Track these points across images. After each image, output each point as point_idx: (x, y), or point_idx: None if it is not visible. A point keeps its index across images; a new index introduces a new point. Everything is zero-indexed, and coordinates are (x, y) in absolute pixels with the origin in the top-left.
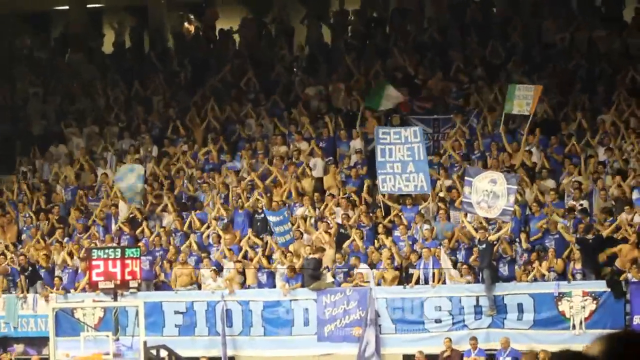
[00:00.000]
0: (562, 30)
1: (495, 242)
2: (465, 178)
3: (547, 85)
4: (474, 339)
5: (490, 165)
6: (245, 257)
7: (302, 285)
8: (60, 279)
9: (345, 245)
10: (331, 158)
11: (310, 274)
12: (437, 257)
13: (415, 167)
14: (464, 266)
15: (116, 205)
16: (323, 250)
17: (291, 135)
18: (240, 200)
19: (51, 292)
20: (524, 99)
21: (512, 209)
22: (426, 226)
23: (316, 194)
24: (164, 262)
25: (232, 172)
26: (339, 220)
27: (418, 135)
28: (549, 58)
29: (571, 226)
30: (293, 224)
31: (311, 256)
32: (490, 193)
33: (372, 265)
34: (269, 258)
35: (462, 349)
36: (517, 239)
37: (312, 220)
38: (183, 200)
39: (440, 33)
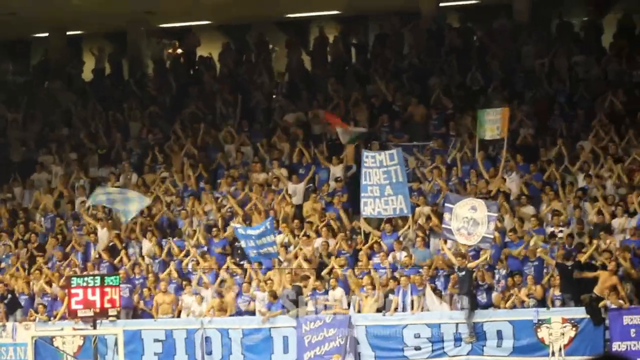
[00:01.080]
0: (542, 55)
1: (474, 269)
2: (446, 205)
3: (527, 111)
4: None
5: (469, 192)
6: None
7: (282, 312)
8: (45, 306)
9: (324, 272)
10: (311, 185)
11: (291, 300)
12: (417, 287)
13: (393, 190)
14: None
15: (95, 233)
16: (307, 278)
17: (271, 162)
18: (217, 229)
19: (32, 320)
20: (494, 124)
21: (492, 236)
22: (404, 253)
23: (296, 221)
24: (144, 289)
25: (212, 200)
26: (318, 247)
27: (395, 158)
28: (528, 84)
29: (549, 252)
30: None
31: (294, 284)
32: (470, 220)
33: (352, 292)
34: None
35: None
36: (497, 265)
37: (292, 248)
38: (163, 227)
39: (419, 59)
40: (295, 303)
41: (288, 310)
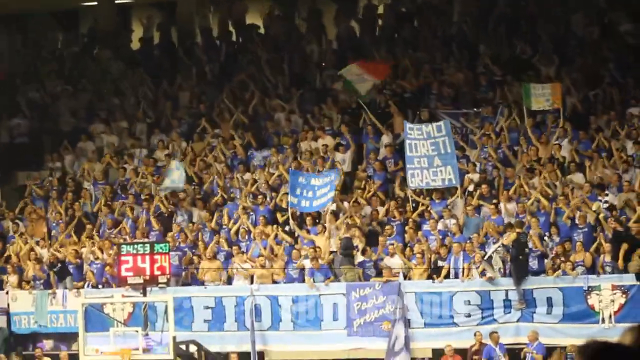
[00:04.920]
0: (591, 23)
1: (525, 234)
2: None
3: (576, 79)
4: (495, 332)
5: (519, 159)
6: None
7: (334, 278)
8: (93, 273)
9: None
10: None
11: (342, 254)
12: (467, 251)
13: (442, 161)
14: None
15: (145, 201)
16: (356, 227)
17: (321, 130)
18: (263, 197)
19: (81, 287)
20: (542, 97)
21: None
22: (453, 220)
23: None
24: (193, 257)
25: (260, 168)
26: (369, 213)
27: (442, 129)
28: (578, 52)
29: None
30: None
31: (344, 235)
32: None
33: (402, 260)
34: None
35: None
36: (546, 233)
37: (342, 215)
38: (213, 196)
39: (468, 27)
40: (348, 257)
41: (343, 264)
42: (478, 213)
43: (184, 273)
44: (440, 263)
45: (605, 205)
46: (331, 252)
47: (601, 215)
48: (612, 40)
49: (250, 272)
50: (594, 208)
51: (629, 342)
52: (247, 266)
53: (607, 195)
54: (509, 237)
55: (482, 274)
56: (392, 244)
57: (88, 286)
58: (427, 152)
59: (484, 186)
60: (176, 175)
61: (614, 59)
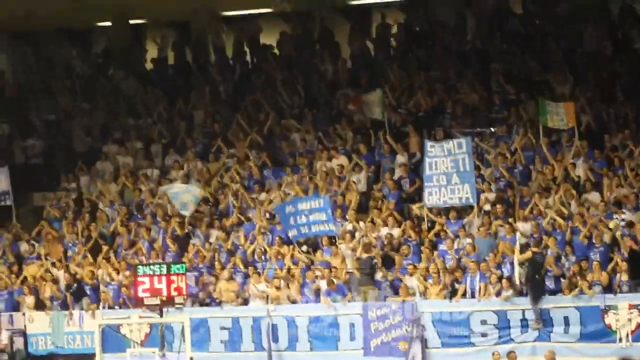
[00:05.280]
0: (604, 39)
1: (541, 255)
2: None
3: (590, 97)
4: (512, 352)
5: (535, 178)
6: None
7: (350, 296)
8: (109, 294)
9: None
10: (371, 175)
11: (367, 273)
12: (482, 271)
13: (460, 179)
14: (504, 280)
15: (162, 221)
16: (374, 247)
17: (336, 149)
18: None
19: (98, 308)
20: (555, 115)
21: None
22: (468, 240)
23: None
24: (210, 277)
25: (277, 188)
26: (383, 236)
27: (463, 147)
28: (591, 68)
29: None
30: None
31: (365, 255)
32: None
33: (419, 280)
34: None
35: None
36: (563, 252)
37: (358, 235)
38: (229, 216)
39: (482, 44)
40: (371, 275)
41: (366, 283)
42: (491, 233)
43: (200, 294)
44: (456, 284)
45: (623, 223)
46: (347, 272)
47: (618, 233)
48: (626, 54)
49: (271, 294)
50: (611, 226)
51: None
52: (263, 287)
53: (624, 213)
54: (523, 255)
55: (498, 293)
56: (410, 264)
57: (104, 307)
58: (447, 169)
59: (498, 206)
60: (187, 198)
61: (627, 73)
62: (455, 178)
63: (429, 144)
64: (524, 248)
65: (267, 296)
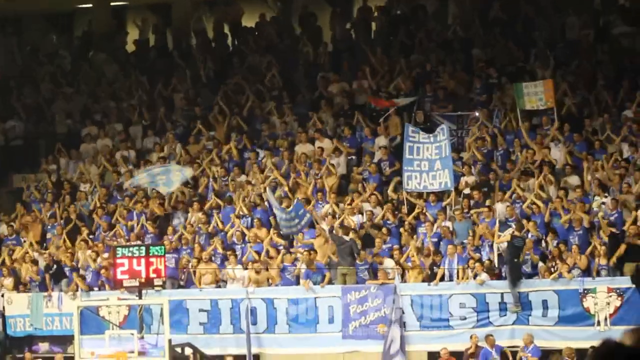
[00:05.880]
0: (586, 26)
1: (518, 240)
2: None
3: (572, 82)
4: (491, 335)
5: (515, 162)
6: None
7: (330, 281)
8: (84, 277)
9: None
10: (352, 157)
11: (347, 254)
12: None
13: (442, 164)
14: (485, 262)
15: (140, 203)
16: (354, 230)
17: (315, 133)
18: (261, 199)
19: (77, 290)
20: (535, 95)
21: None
22: (449, 223)
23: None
24: (189, 260)
25: (256, 171)
26: (363, 219)
27: (445, 133)
28: (573, 54)
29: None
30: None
31: (349, 238)
32: None
33: (398, 263)
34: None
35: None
36: (543, 236)
37: (337, 218)
38: (208, 199)
39: (464, 30)
40: (353, 255)
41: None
42: (470, 216)
43: (180, 276)
44: (435, 268)
45: (603, 207)
46: (328, 256)
47: (600, 214)
48: (607, 43)
49: (250, 277)
50: (594, 205)
51: (630, 344)
52: (242, 271)
53: (606, 196)
54: (501, 238)
55: (476, 276)
56: (390, 247)
57: (79, 291)
58: (431, 155)
59: (475, 192)
60: (178, 176)
61: (609, 61)
62: (438, 164)
63: (410, 128)
64: (503, 228)
65: (245, 278)
